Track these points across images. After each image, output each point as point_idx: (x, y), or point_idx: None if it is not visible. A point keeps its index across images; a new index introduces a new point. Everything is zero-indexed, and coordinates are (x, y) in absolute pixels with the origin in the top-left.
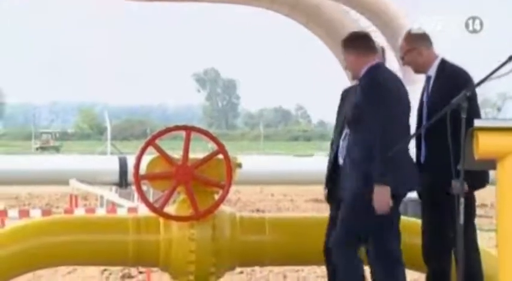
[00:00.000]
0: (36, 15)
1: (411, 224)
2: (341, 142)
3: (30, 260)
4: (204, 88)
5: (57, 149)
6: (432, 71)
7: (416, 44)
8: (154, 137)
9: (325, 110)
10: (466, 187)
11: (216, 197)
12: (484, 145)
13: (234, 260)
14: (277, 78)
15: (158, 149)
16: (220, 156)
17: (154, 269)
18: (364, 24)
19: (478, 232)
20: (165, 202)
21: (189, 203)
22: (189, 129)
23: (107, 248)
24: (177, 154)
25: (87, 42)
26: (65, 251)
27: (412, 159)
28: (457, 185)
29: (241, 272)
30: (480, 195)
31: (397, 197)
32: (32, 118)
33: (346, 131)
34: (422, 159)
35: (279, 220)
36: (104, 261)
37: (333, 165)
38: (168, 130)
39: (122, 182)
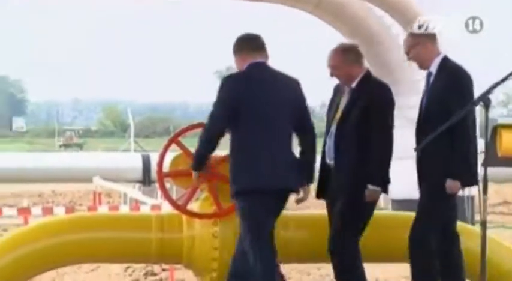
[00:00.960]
0: (58, 11)
1: None
2: (327, 141)
3: (54, 257)
4: None
5: (80, 147)
6: (434, 68)
7: (421, 39)
8: (178, 135)
9: None
10: (459, 185)
11: None
12: (507, 142)
13: None
14: (301, 76)
15: (181, 146)
16: None
17: (178, 266)
18: (388, 21)
19: (501, 229)
20: (188, 200)
21: (212, 200)
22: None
23: (130, 245)
24: None
25: (110, 39)
26: (89, 248)
27: (268, 159)
28: (451, 184)
29: None
30: (504, 193)
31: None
32: (55, 115)
33: (332, 129)
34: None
35: (302, 217)
36: (127, 258)
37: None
38: (191, 127)
39: (145, 179)
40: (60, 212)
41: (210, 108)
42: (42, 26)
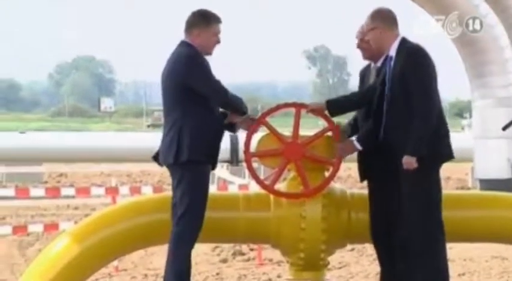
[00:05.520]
0: None
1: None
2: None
3: (141, 237)
4: (314, 65)
5: None
6: (393, 51)
7: (377, 23)
8: (265, 115)
9: None
10: (415, 162)
11: (327, 174)
12: None
13: (345, 238)
14: None
15: (268, 126)
16: (331, 133)
17: (266, 246)
18: (475, 2)
19: None
20: (276, 180)
21: (300, 180)
22: (299, 106)
23: (218, 225)
24: (287, 131)
25: None
26: None
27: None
28: (408, 160)
29: (353, 249)
30: None
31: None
32: (143, 95)
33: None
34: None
35: None
36: (216, 238)
37: None
38: (278, 108)
39: (233, 159)
40: (148, 191)
41: (300, 87)
42: (129, 4)
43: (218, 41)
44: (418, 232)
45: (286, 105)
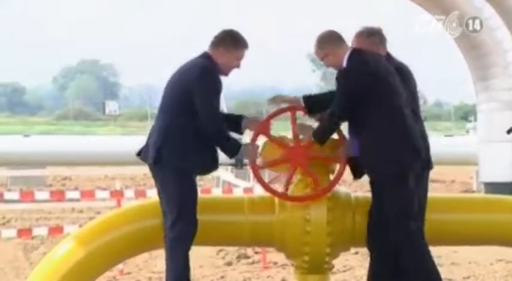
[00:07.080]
0: None
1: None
2: None
3: (147, 240)
4: (319, 68)
5: None
6: (345, 63)
7: (329, 49)
8: (257, 134)
9: (441, 91)
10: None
11: (331, 178)
12: None
13: (349, 241)
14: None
15: (269, 136)
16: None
17: (270, 249)
18: (479, 4)
19: None
20: (288, 186)
21: (305, 183)
22: (293, 109)
23: (223, 228)
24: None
25: (202, 22)
26: None
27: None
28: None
29: (357, 253)
30: None
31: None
32: (148, 99)
33: None
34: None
35: None
36: (220, 241)
37: None
38: (272, 116)
39: (238, 162)
40: (153, 195)
41: (304, 90)
42: (132, 6)
43: (238, 66)
44: (398, 237)
45: (281, 110)
